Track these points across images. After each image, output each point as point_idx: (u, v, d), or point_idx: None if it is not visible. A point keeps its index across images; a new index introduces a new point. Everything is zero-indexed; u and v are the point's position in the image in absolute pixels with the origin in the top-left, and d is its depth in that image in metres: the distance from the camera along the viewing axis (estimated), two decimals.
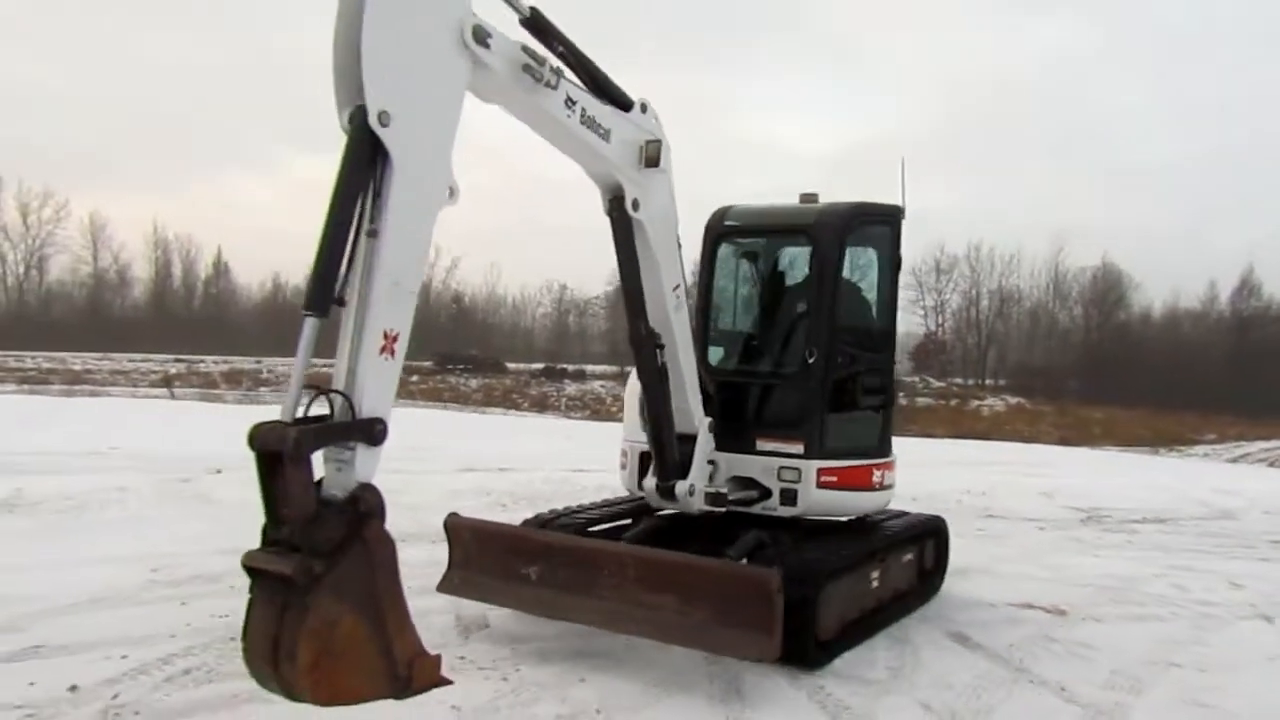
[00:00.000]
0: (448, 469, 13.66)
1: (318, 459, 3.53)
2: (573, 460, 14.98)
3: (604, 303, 73.93)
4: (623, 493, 7.09)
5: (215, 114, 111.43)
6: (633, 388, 6.63)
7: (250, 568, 3.45)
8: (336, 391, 3.63)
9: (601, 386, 54.57)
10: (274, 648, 3.32)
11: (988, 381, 69.19)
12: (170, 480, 11.19)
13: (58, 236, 76.31)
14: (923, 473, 15.67)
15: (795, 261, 7.11)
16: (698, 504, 6.07)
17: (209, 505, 10.01)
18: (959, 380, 66.90)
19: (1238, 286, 70.28)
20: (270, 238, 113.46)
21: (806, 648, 5.42)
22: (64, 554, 7.58)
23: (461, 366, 60.36)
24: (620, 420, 6.87)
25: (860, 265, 6.99)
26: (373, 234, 3.70)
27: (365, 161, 3.66)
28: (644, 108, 5.47)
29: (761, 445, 6.34)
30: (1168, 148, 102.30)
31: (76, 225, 77.19)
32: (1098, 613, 7.27)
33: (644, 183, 5.52)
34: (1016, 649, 6.22)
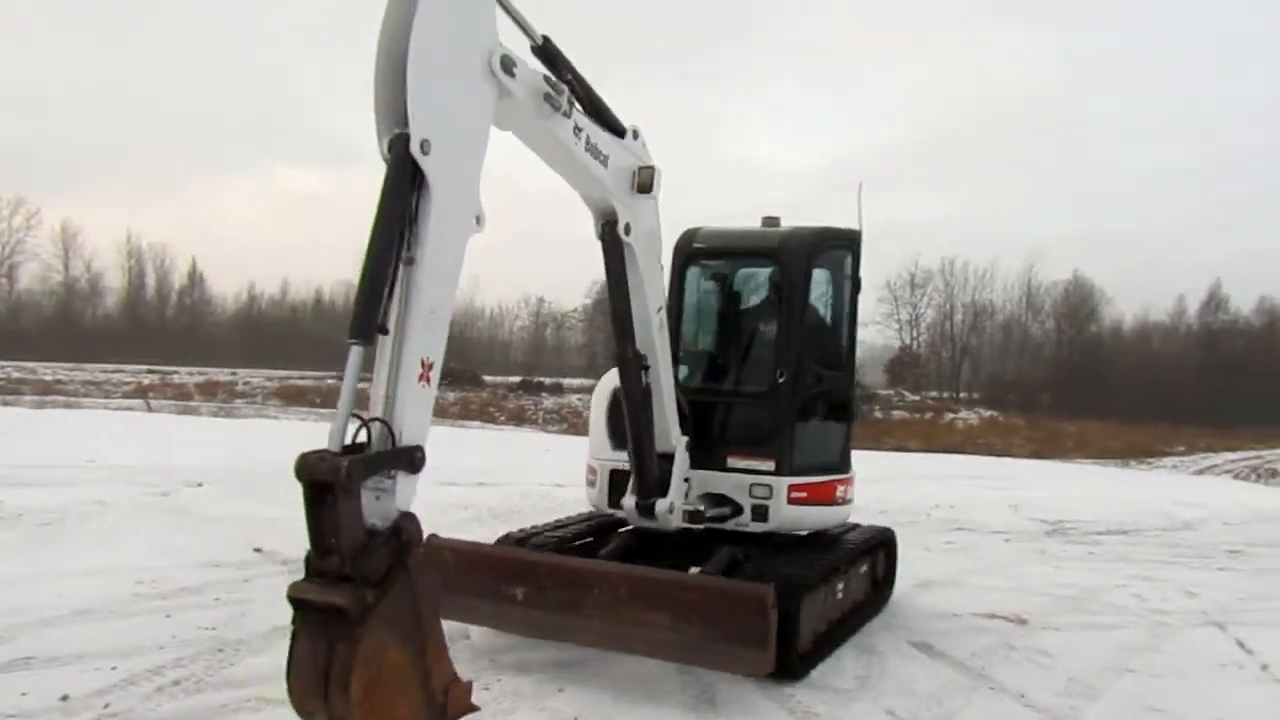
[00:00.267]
0: (426, 482, 13.33)
1: None
2: (552, 474, 15.13)
3: (582, 316, 74.13)
4: (584, 509, 7.22)
5: (192, 123, 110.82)
6: (599, 404, 6.78)
7: (298, 600, 3.39)
8: (377, 419, 3.66)
9: (579, 400, 54.56)
10: (324, 680, 3.30)
11: (962, 395, 69.92)
12: (150, 493, 11.27)
13: (28, 244, 75.54)
14: (895, 486, 15.98)
15: (762, 283, 7.29)
16: (676, 521, 6.19)
17: (189, 518, 10.09)
18: (933, 394, 67.49)
19: (1205, 300, 71.74)
20: (246, 248, 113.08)
21: (791, 660, 5.57)
22: (47, 566, 7.67)
23: (440, 380, 60.08)
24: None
25: (823, 287, 7.20)
26: (409, 262, 3.73)
27: (407, 189, 3.70)
28: (635, 134, 5.61)
29: (733, 463, 6.52)
30: (1138, 163, 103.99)
31: (48, 233, 76.41)
32: (1057, 622, 7.54)
33: (635, 207, 5.70)
34: (978, 657, 6.46)
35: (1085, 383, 64.97)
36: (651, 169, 5.67)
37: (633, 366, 5.89)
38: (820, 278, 7.09)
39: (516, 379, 58.92)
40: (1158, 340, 73.98)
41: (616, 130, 5.45)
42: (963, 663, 6.33)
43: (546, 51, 4.76)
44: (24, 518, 9.52)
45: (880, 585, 7.71)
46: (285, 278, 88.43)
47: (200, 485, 12.24)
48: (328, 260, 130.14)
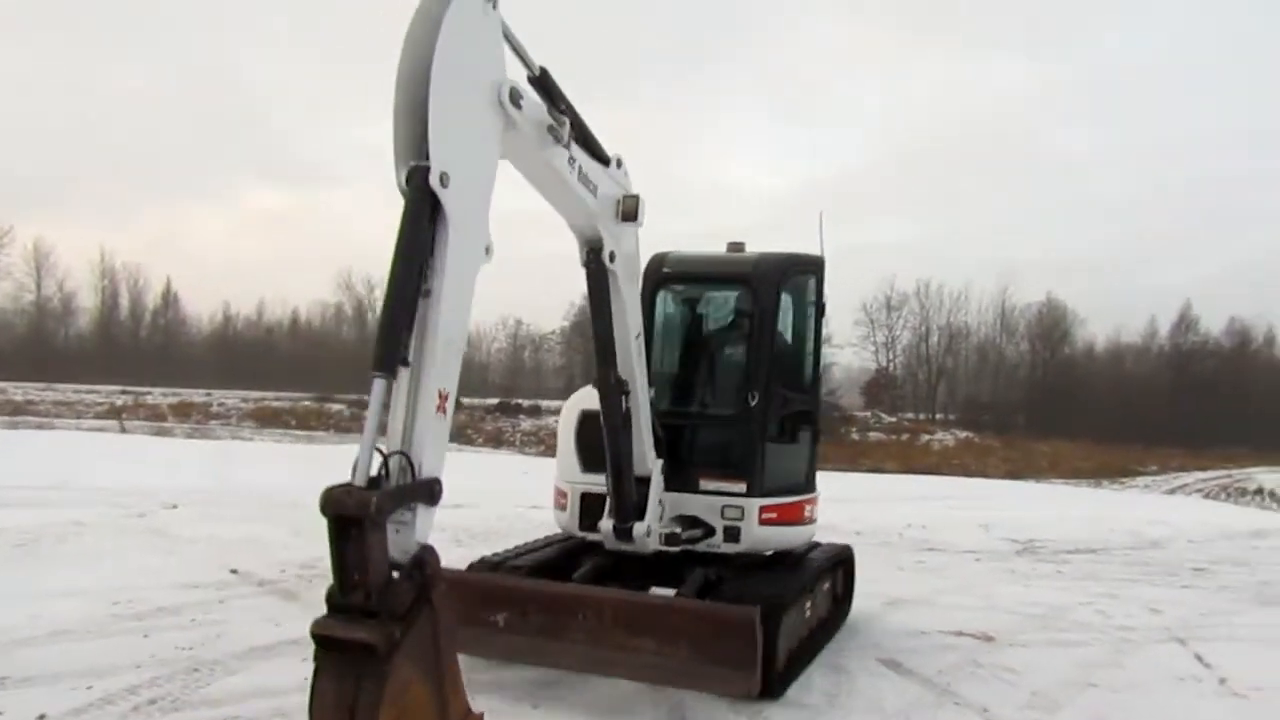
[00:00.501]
0: None
1: None
2: (529, 496, 15.18)
3: (560, 338, 74.17)
4: (549, 531, 7.28)
5: (167, 143, 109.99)
6: (567, 427, 6.86)
7: (323, 636, 3.34)
8: (398, 452, 3.65)
9: (556, 422, 54.45)
10: (349, 717, 3.26)
11: (938, 416, 70.39)
12: (126, 514, 11.27)
13: (0, 263, 74.86)
14: (870, 507, 16.20)
15: (732, 307, 7.41)
16: (654, 544, 6.25)
17: (165, 539, 10.10)
18: (910, 415, 67.92)
19: (1176, 322, 72.83)
20: (221, 269, 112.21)
21: (771, 679, 5.64)
22: (23, 587, 7.67)
23: None
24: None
25: (792, 311, 7.34)
26: (426, 294, 3.74)
27: (427, 222, 3.71)
28: (619, 162, 5.70)
29: (705, 485, 6.61)
30: (1110, 188, 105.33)
31: (20, 252, 75.62)
32: (1023, 639, 7.71)
33: (620, 234, 5.80)
34: (945, 674, 6.60)
35: (1059, 404, 65.73)
36: (636, 198, 5.77)
37: (614, 392, 5.96)
38: (789, 302, 7.25)
39: (494, 401, 58.83)
40: (1130, 361, 74.99)
41: (602, 159, 5.54)
42: (930, 679, 6.47)
43: (543, 82, 4.78)
44: None
45: (840, 601, 7.84)
46: (261, 298, 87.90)
47: (175, 507, 12.23)
48: (305, 280, 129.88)
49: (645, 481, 6.29)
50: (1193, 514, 19.07)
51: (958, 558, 11.87)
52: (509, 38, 4.41)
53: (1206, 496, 32.64)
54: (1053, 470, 41.61)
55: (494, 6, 4.16)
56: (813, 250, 7.36)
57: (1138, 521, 15.89)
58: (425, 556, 3.58)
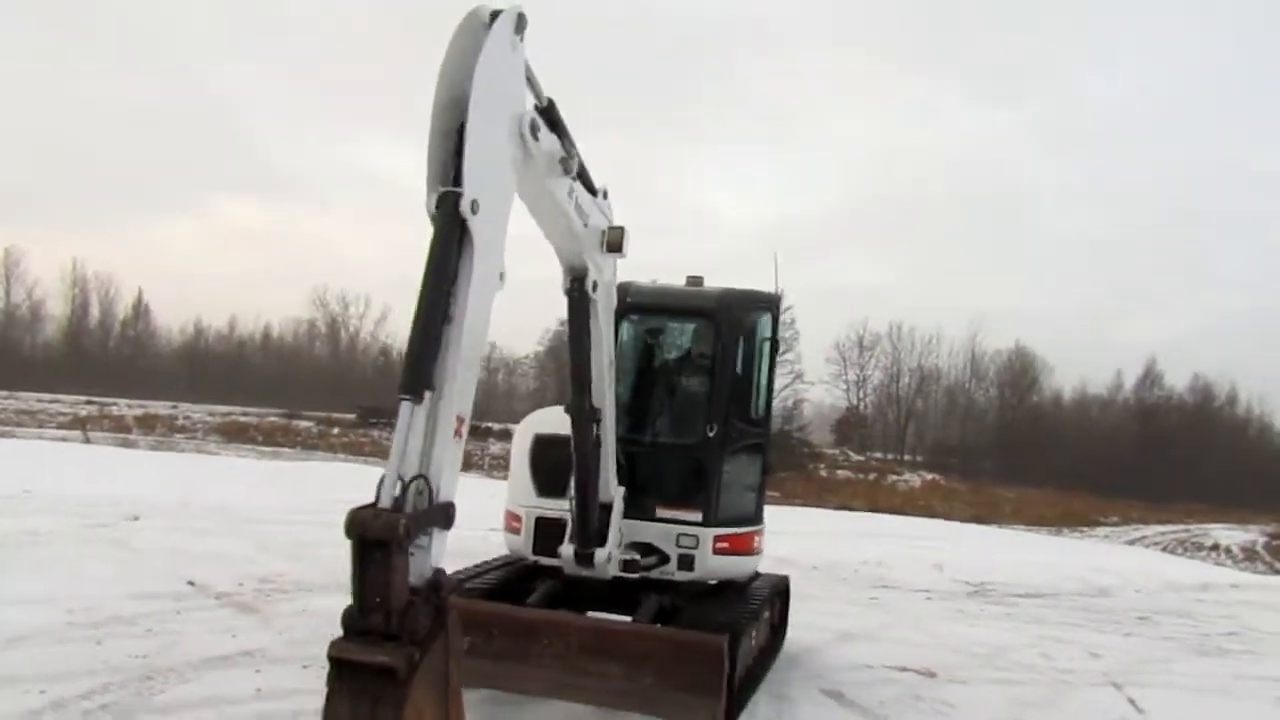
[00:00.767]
0: None
1: None
2: (495, 520, 15.22)
3: (533, 363, 74.21)
4: (498, 554, 7.35)
5: (141, 153, 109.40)
6: (520, 451, 6.98)
7: (341, 659, 3.32)
8: (419, 475, 3.64)
9: None
10: None
11: (906, 457, 70.95)
12: (87, 524, 11.26)
13: None
14: (828, 542, 16.42)
15: (692, 339, 7.59)
16: (613, 570, 6.34)
17: (124, 550, 10.11)
18: (878, 454, 68.41)
19: (1142, 376, 74.20)
20: (195, 282, 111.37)
21: (731, 707, 5.70)
22: None
23: (385, 420, 59.61)
24: None
25: (751, 346, 7.51)
26: (449, 320, 3.77)
27: (456, 248, 3.78)
28: (605, 194, 5.80)
29: (661, 513, 6.74)
30: (1082, 236, 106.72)
31: None
32: (964, 675, 7.91)
33: (604, 265, 5.93)
34: (885, 706, 6.79)
35: (1026, 450, 66.48)
36: (621, 230, 5.86)
37: (588, 418, 6.05)
38: (747, 337, 7.42)
39: None
40: (1096, 411, 76.08)
41: (592, 189, 5.63)
42: (870, 710, 6.65)
43: (549, 113, 4.78)
44: None
45: (777, 630, 7.99)
46: (234, 312, 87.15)
47: (138, 519, 12.23)
48: (278, 295, 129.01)
49: (606, 508, 6.38)
50: (1143, 565, 19.42)
51: (910, 596, 12.07)
52: (526, 68, 4.51)
53: (1164, 549, 33.12)
54: (1016, 516, 41.95)
55: (521, 40, 4.26)
56: (769, 288, 7.60)
57: (1090, 569, 16.17)
58: (441, 580, 3.59)
